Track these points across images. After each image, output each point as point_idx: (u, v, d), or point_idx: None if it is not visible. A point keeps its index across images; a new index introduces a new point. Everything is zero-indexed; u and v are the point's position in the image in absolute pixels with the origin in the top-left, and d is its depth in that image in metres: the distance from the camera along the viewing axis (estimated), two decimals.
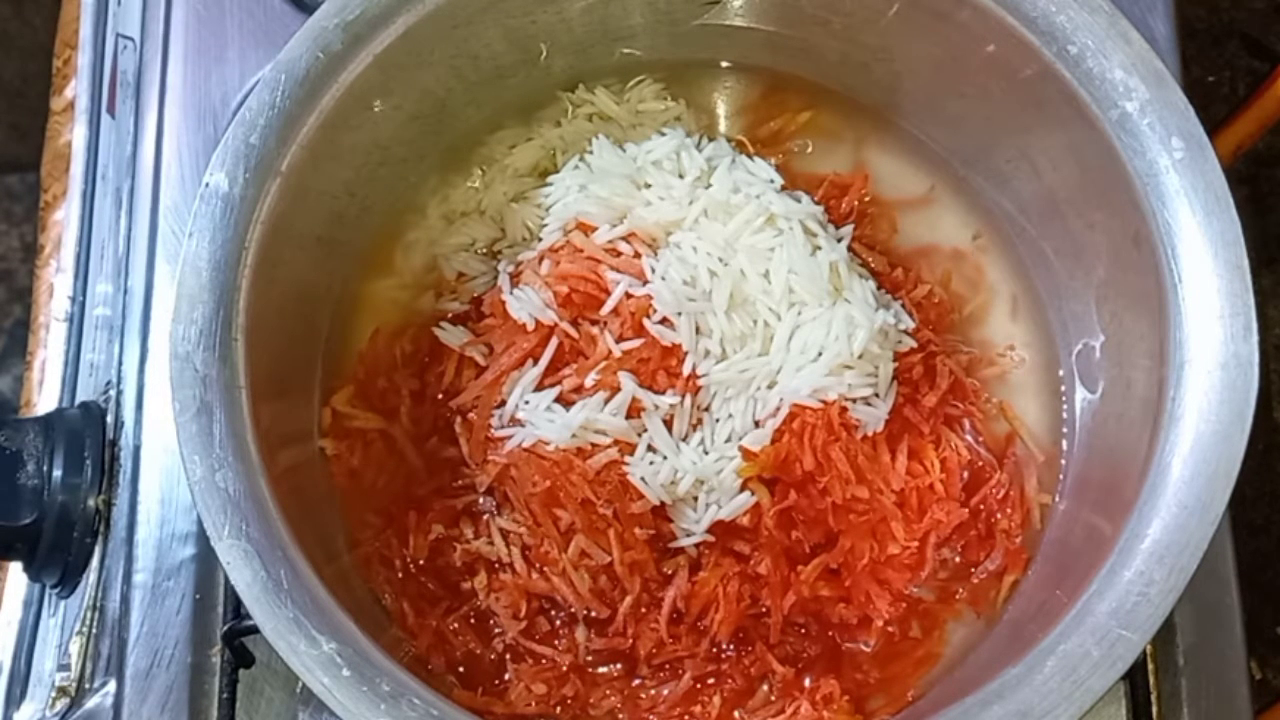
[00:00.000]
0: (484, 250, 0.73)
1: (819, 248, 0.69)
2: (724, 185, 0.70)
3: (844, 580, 0.67)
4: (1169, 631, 0.67)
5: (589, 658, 0.67)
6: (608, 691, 0.67)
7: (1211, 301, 0.57)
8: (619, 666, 0.67)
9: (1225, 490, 0.55)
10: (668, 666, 0.67)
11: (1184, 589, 0.54)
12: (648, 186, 0.71)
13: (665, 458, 0.66)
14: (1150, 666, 0.66)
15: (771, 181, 0.71)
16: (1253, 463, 0.56)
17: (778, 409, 0.67)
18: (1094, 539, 0.61)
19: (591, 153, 0.73)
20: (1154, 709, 0.66)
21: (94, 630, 0.70)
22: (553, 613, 0.68)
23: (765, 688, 0.67)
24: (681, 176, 0.71)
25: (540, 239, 0.72)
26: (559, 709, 0.66)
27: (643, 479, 0.65)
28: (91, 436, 0.69)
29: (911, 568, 0.67)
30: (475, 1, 0.65)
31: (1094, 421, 0.68)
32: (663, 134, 0.73)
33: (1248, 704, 0.68)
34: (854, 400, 0.67)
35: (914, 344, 0.70)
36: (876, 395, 0.68)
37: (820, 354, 0.67)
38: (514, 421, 0.68)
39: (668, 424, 0.67)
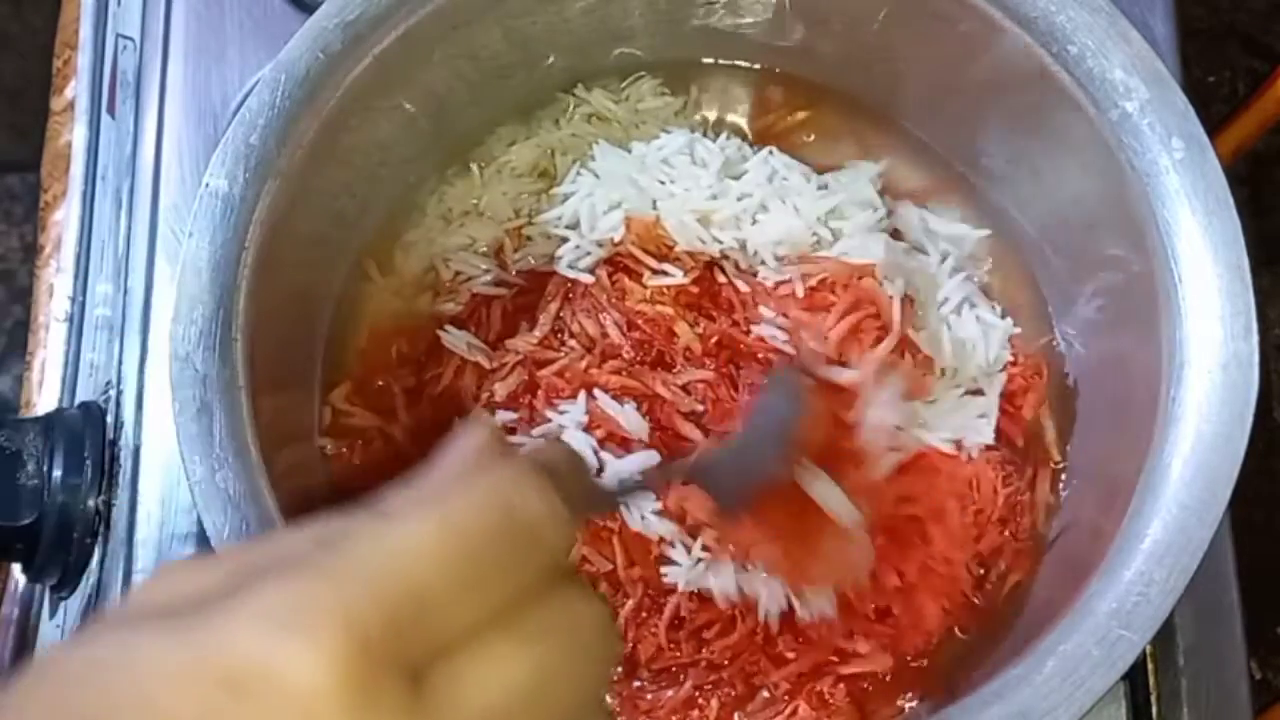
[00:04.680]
0: (484, 250, 0.73)
1: None
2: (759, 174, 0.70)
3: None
4: (1169, 631, 0.67)
5: None
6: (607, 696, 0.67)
7: (1211, 301, 0.57)
8: (619, 669, 0.67)
9: (1225, 490, 0.55)
10: (668, 672, 0.67)
11: (1184, 589, 0.54)
12: (663, 183, 0.70)
13: None
14: (1150, 666, 0.66)
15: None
16: (1253, 463, 0.55)
17: None
18: (1094, 539, 0.61)
19: (594, 158, 0.72)
20: (1154, 709, 0.66)
21: None
22: None
23: (765, 692, 0.67)
24: (705, 167, 0.71)
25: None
26: None
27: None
28: (91, 436, 0.69)
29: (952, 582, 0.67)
30: (476, 2, 0.65)
31: (1094, 422, 0.68)
32: (668, 131, 0.73)
33: (1248, 704, 0.68)
34: None
35: None
36: None
37: None
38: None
39: None
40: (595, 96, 0.74)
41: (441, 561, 0.31)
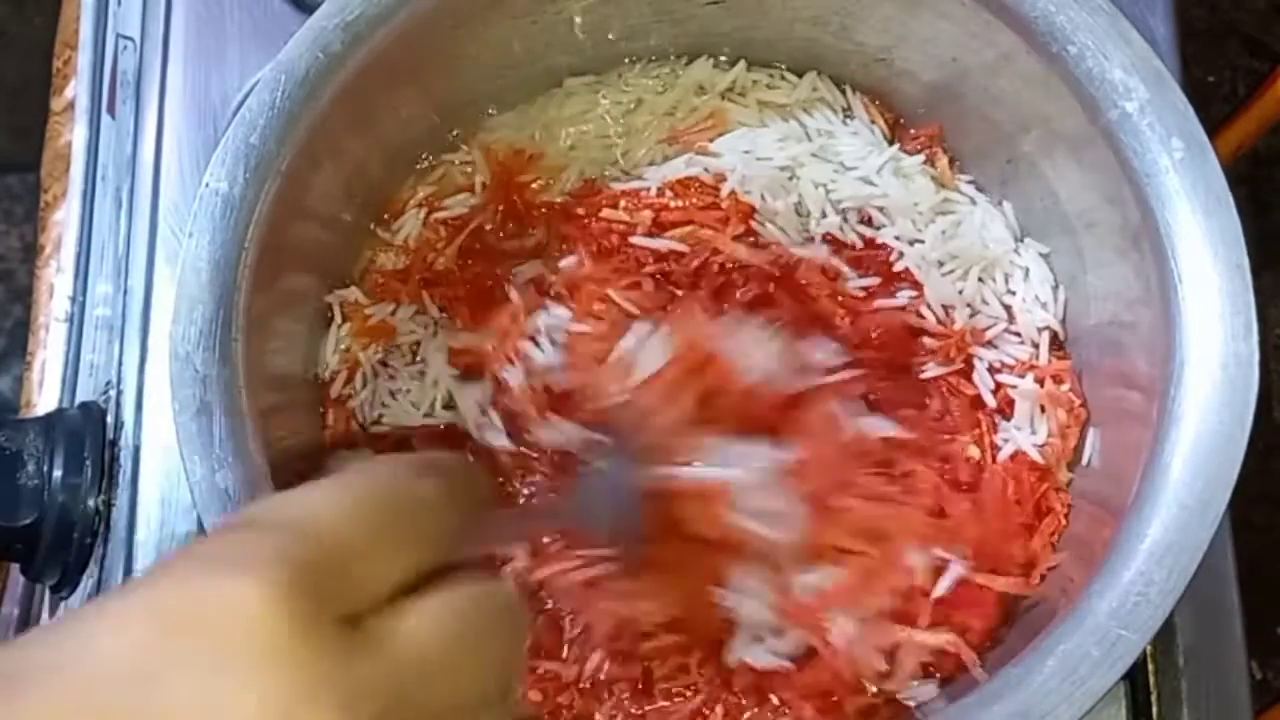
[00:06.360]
0: None
1: None
2: None
3: None
4: (1169, 631, 0.67)
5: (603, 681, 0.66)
6: (613, 710, 0.66)
7: (1211, 301, 0.57)
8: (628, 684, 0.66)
9: (1225, 490, 0.55)
10: (680, 689, 0.66)
11: (1184, 589, 0.54)
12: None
13: None
14: (1150, 666, 0.66)
15: None
16: (1253, 463, 0.55)
17: None
18: (1094, 539, 0.60)
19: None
20: (1154, 709, 0.66)
21: None
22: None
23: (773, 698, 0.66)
24: None
25: None
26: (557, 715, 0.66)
27: None
28: (91, 436, 0.69)
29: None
30: (476, 2, 0.65)
31: (1094, 422, 0.68)
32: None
33: (1248, 704, 0.68)
34: None
35: None
36: None
37: None
38: None
39: None
40: (590, 92, 0.74)
41: (356, 519, 0.34)
